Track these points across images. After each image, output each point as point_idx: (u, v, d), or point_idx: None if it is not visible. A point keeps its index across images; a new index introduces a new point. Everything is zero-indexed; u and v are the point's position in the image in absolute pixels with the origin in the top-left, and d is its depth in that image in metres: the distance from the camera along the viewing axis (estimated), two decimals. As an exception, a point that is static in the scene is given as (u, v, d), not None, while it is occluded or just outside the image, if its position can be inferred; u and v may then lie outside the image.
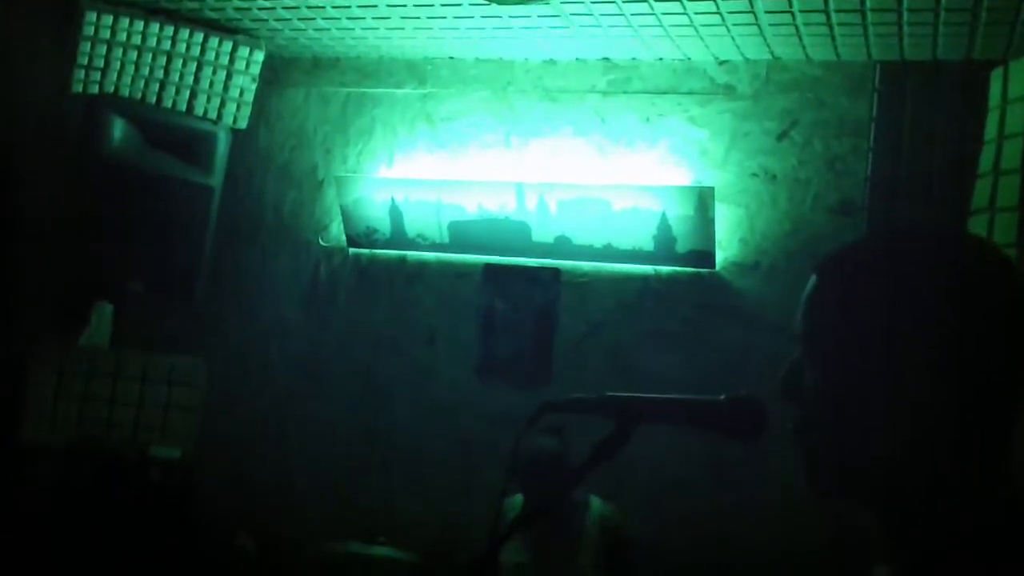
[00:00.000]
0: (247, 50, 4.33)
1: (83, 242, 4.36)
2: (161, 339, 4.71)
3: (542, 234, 4.21)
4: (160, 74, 4.23)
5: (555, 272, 4.27)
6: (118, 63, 4.16)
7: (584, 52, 4.27)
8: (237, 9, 4.10)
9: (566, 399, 1.38)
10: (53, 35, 4.24)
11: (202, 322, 4.75)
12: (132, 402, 4.42)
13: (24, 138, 4.35)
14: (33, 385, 4.32)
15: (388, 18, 4.04)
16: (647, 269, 4.15)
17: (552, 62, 4.42)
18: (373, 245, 4.55)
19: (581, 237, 4.15)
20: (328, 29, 4.28)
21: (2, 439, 4.27)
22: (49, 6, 4.17)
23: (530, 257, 4.30)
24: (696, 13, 3.63)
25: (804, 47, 3.91)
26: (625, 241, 4.07)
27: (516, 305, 4.35)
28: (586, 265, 4.24)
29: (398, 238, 4.47)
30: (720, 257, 4.04)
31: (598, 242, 4.12)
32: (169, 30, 4.20)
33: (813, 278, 1.13)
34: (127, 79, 4.19)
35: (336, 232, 4.69)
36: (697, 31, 3.83)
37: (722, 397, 1.25)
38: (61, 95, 4.21)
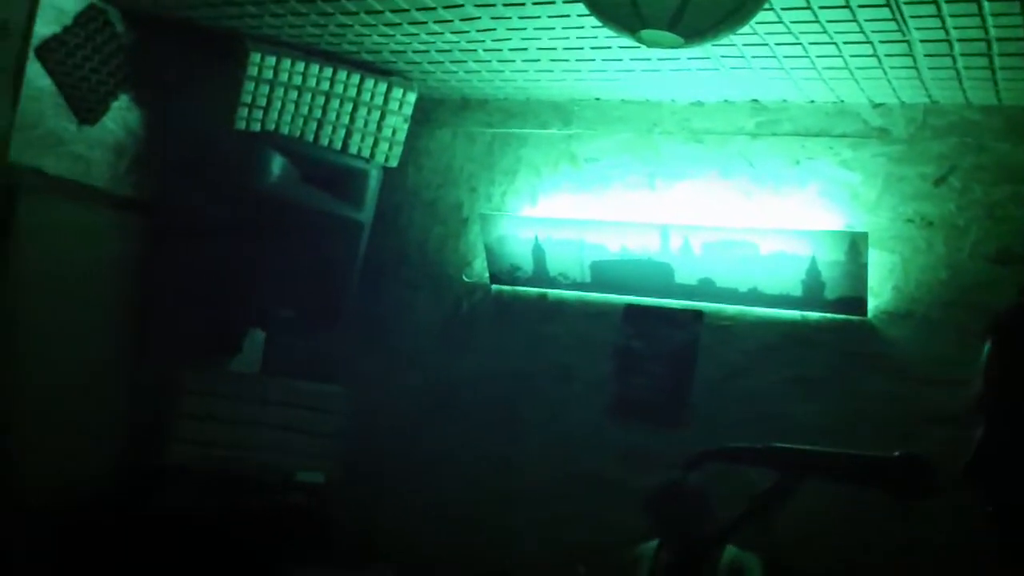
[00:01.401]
0: (400, 91, 4.47)
1: (239, 271, 4.56)
2: (307, 367, 4.87)
3: (685, 276, 4.18)
4: (318, 113, 4.40)
5: (697, 314, 4.22)
6: (279, 102, 4.35)
7: (732, 93, 4.24)
8: (393, 52, 4.24)
9: (728, 448, 1.35)
10: (219, 75, 4.48)
11: (346, 351, 4.89)
12: (279, 427, 4.58)
13: (189, 171, 4.60)
14: (185, 407, 4.52)
15: (538, 60, 4.11)
16: (793, 315, 4.06)
17: (699, 103, 4.40)
18: (515, 282, 4.60)
19: (725, 280, 4.09)
20: (478, 71, 4.39)
21: (153, 458, 4.48)
22: (216, 47, 4.40)
23: (672, 298, 4.27)
24: (852, 56, 3.56)
25: (964, 90, 3.78)
26: (772, 285, 4.00)
27: (655, 346, 4.31)
28: (730, 308, 4.18)
29: (540, 276, 4.51)
30: (872, 305, 3.92)
31: (743, 286, 4.06)
32: (328, 71, 4.37)
33: (991, 339, 1.05)
34: (287, 117, 4.37)
35: (479, 269, 4.76)
36: (852, 74, 3.75)
37: (896, 454, 1.21)
38: (225, 131, 4.42)
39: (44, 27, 3.92)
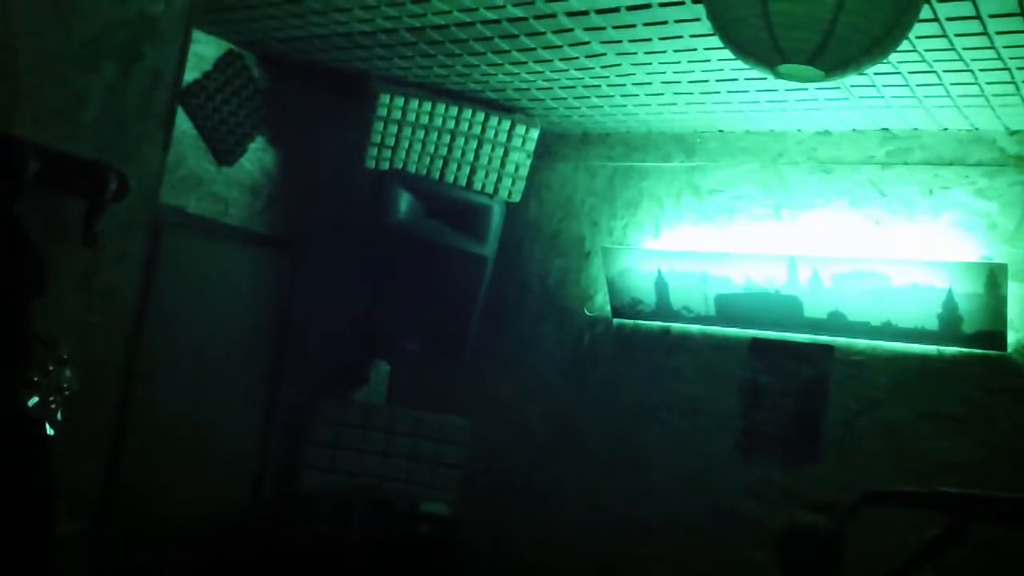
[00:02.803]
0: (524, 128, 4.54)
1: (366, 304, 4.68)
2: (431, 398, 4.95)
3: (814, 309, 4.10)
4: (444, 151, 4.50)
5: (827, 349, 4.13)
6: (406, 141, 4.46)
7: (861, 122, 4.16)
8: (517, 89, 4.31)
9: (892, 490, 1.33)
10: (349, 115, 4.63)
11: (469, 383, 4.95)
12: (403, 456, 4.66)
13: (321, 209, 4.76)
14: (315, 436, 4.65)
15: (662, 94, 4.11)
16: (929, 349, 3.94)
17: (826, 133, 4.34)
18: (637, 316, 4.59)
19: (857, 313, 4.00)
20: (601, 106, 4.42)
21: (287, 486, 4.61)
22: (347, 88, 4.55)
23: (800, 332, 4.19)
24: (988, 83, 3.46)
25: (1111, 115, 3.64)
26: (906, 319, 3.89)
27: (783, 380, 4.24)
28: (861, 343, 4.08)
29: (663, 309, 4.49)
30: (1012, 339, 3.77)
31: (876, 319, 3.96)
32: (453, 110, 4.47)
33: None
34: (414, 156, 4.48)
35: (601, 302, 4.77)
36: (988, 100, 3.64)
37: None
38: (355, 170, 4.56)
39: (186, 73, 4.12)
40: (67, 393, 2.21)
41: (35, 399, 2.17)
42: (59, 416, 2.19)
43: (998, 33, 3.04)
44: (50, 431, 2.18)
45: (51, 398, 2.17)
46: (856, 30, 1.98)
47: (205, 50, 4.22)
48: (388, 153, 4.47)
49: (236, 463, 4.53)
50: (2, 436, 2.13)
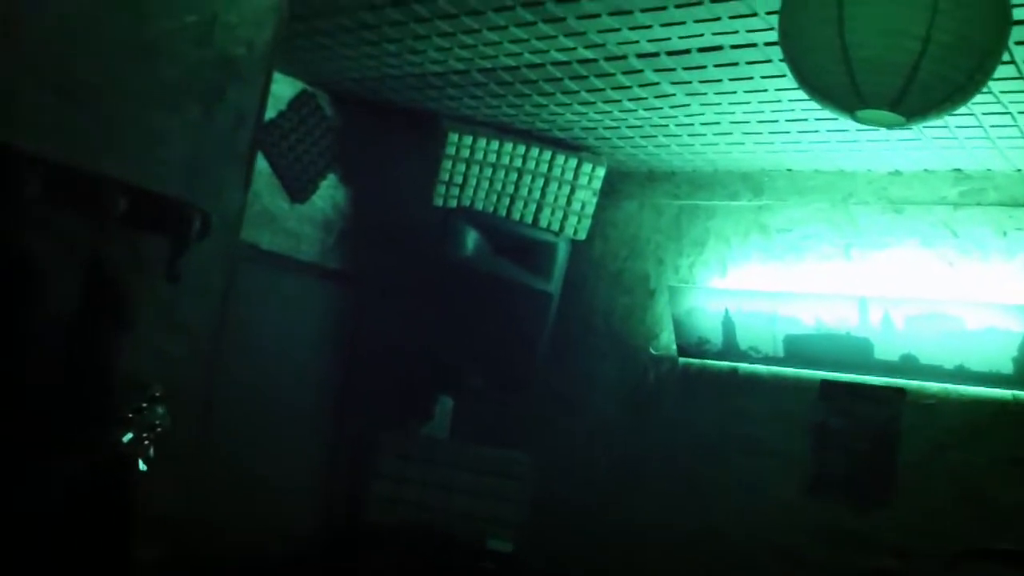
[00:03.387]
0: (590, 166, 4.56)
1: (432, 339, 4.72)
2: (495, 433, 4.95)
3: (886, 351, 4.04)
4: (510, 189, 4.54)
5: (899, 392, 4.06)
6: (474, 179, 4.51)
7: (933, 163, 4.12)
8: (584, 128, 4.34)
9: (996, 549, 1.30)
10: (418, 153, 4.70)
11: (533, 419, 4.95)
12: (467, 491, 4.67)
13: (390, 245, 4.82)
14: (380, 469, 4.68)
15: (730, 134, 4.11)
16: (1004, 393, 3.85)
17: (897, 173, 4.29)
18: (704, 355, 4.56)
19: (929, 356, 3.93)
20: (667, 145, 4.43)
21: (352, 517, 4.64)
22: (416, 127, 4.63)
23: (871, 374, 4.13)
24: (1067, 124, 3.41)
25: None
26: (980, 362, 3.81)
27: (854, 423, 4.17)
28: (933, 386, 4.00)
29: (730, 349, 4.45)
30: (1093, 384, 3.68)
31: (949, 362, 3.89)
32: (520, 148, 4.52)
33: None
34: (481, 193, 4.53)
35: (666, 341, 4.75)
36: (1067, 141, 3.59)
37: None
38: (423, 207, 4.62)
39: (263, 113, 4.23)
40: (159, 430, 2.26)
41: (129, 435, 2.23)
42: (151, 453, 2.24)
43: (1078, 74, 3.00)
44: (143, 467, 2.23)
45: (144, 435, 2.23)
46: (939, 76, 1.97)
47: (280, 89, 4.32)
48: (456, 191, 4.53)
49: (303, 493, 4.58)
50: (97, 471, 2.19)
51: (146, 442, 2.29)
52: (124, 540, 2.29)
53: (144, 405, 2.31)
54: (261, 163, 4.28)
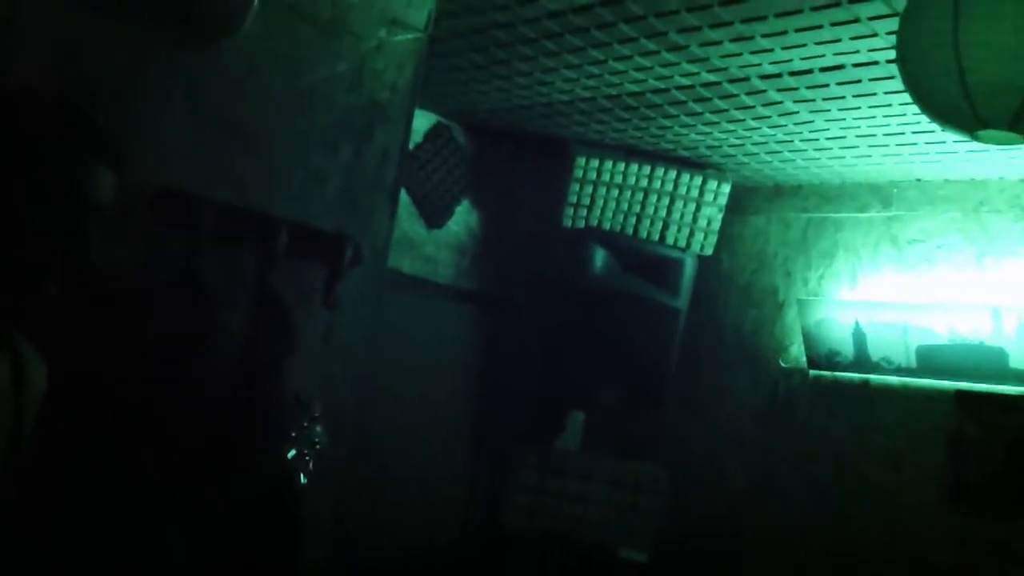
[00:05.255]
0: (715, 183, 4.66)
1: (565, 356, 4.89)
2: (627, 447, 5.07)
3: (1021, 360, 4.00)
4: (637, 208, 4.68)
5: (1037, 401, 4.02)
6: (601, 200, 4.67)
7: (1068, 169, 4.06)
8: (709, 147, 4.45)
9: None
10: (547, 177, 4.88)
11: (664, 432, 5.05)
12: (602, 502, 4.81)
13: (522, 266, 5.02)
14: (517, 480, 4.87)
15: (856, 147, 4.15)
16: None
17: (1030, 180, 4.25)
18: (834, 367, 4.58)
19: (1068, 364, 3.88)
20: (793, 160, 4.49)
21: (492, 527, 4.84)
22: (545, 152, 4.81)
23: (1006, 383, 4.09)
24: None
25: None
26: (1123, 370, 3.74)
27: (990, 432, 4.13)
28: (1075, 394, 3.95)
29: (861, 361, 4.47)
30: None
31: (1088, 370, 3.83)
32: (646, 169, 4.65)
33: None
34: (608, 214, 4.68)
35: (796, 353, 4.79)
36: None
37: None
38: (553, 228, 4.80)
39: (401, 145, 4.50)
40: (318, 447, 2.50)
41: (293, 452, 2.47)
42: (311, 467, 2.48)
43: None
44: (304, 480, 2.47)
45: (305, 451, 2.47)
46: (1056, 95, 2.03)
47: (417, 123, 4.55)
48: (584, 212, 4.69)
49: (447, 504, 4.82)
50: (266, 484, 2.44)
51: (307, 458, 2.53)
52: (293, 549, 2.52)
53: (306, 424, 2.55)
54: (401, 193, 4.53)
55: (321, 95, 2.88)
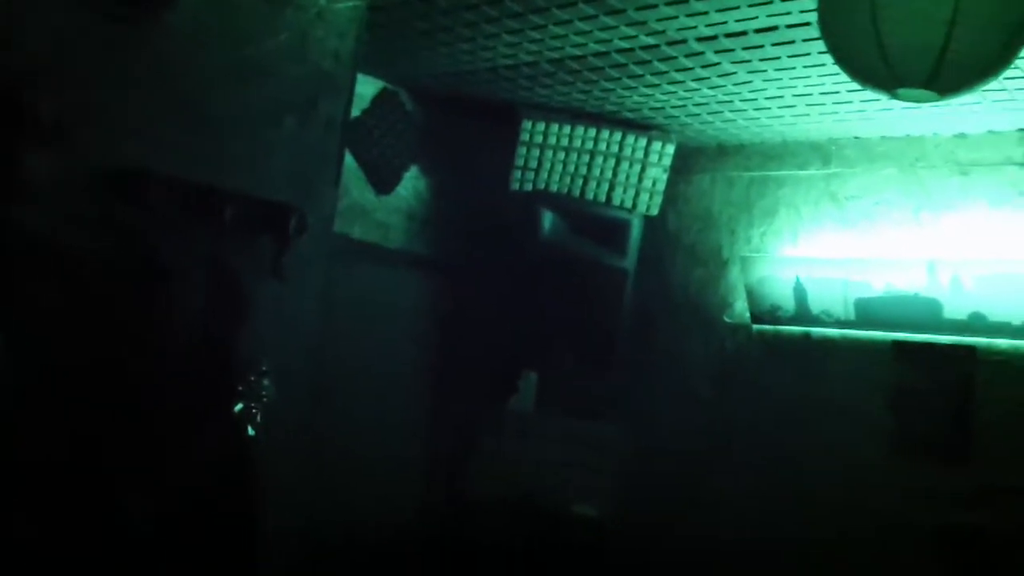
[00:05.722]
0: (660, 144, 4.74)
1: (516, 318, 4.97)
2: (581, 406, 5.17)
3: (954, 311, 4.14)
4: (583, 170, 4.75)
5: (970, 350, 4.16)
6: (549, 163, 4.74)
7: (998, 124, 4.18)
8: (652, 108, 4.52)
9: (995, 486, 1.47)
10: (494, 141, 4.93)
11: (617, 391, 5.15)
12: (557, 463, 4.90)
13: (471, 230, 5.08)
14: (476, 445, 4.95)
15: (794, 106, 4.25)
16: (1075, 347, 3.94)
17: (963, 135, 4.37)
18: (777, 322, 4.71)
19: (998, 313, 4.03)
20: (734, 120, 4.58)
21: (451, 493, 4.93)
22: (492, 117, 4.86)
23: (941, 334, 4.23)
24: None
25: None
26: (1049, 318, 3.90)
27: (929, 382, 4.28)
28: (1003, 343, 4.10)
29: (802, 315, 4.60)
30: None
31: (1017, 319, 3.98)
32: (592, 131, 4.72)
33: None
34: (556, 176, 4.75)
35: (740, 309, 4.91)
36: None
37: None
38: (501, 192, 4.85)
39: (348, 112, 4.52)
40: (266, 400, 2.58)
41: (240, 405, 2.55)
42: (259, 419, 2.56)
43: None
44: (251, 432, 2.55)
45: (252, 405, 2.55)
46: (967, 55, 2.12)
47: (363, 90, 4.59)
48: (531, 175, 4.76)
49: (405, 470, 4.89)
50: (216, 437, 2.51)
51: (254, 411, 2.62)
52: (246, 501, 2.60)
53: (252, 379, 2.64)
54: (348, 159, 4.56)
55: (264, 65, 2.91)
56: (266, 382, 2.61)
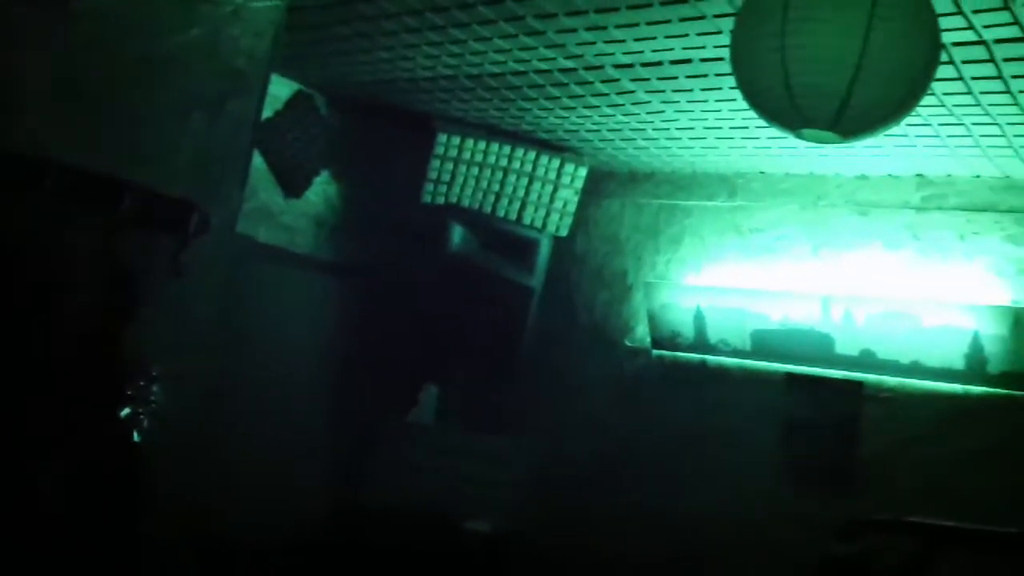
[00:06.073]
0: (573, 166, 4.79)
1: (420, 330, 4.95)
2: (480, 421, 5.17)
3: (846, 346, 4.27)
4: (496, 187, 4.77)
5: (857, 385, 4.30)
6: (462, 177, 4.74)
7: (897, 168, 4.34)
8: (567, 131, 4.56)
9: (872, 519, 1.52)
10: (409, 152, 4.91)
11: (518, 408, 5.17)
12: (455, 476, 4.89)
13: (382, 240, 5.04)
14: (376, 455, 4.91)
15: (704, 138, 4.33)
16: (956, 388, 4.09)
17: (864, 177, 4.52)
18: (676, 348, 4.79)
19: (887, 352, 4.17)
20: (647, 147, 4.65)
21: (347, 501, 4.87)
22: (408, 128, 4.84)
23: (832, 368, 4.36)
24: (1016, 136, 3.63)
25: None
26: (934, 358, 4.05)
27: (818, 414, 4.40)
28: (890, 380, 4.24)
29: (701, 343, 4.68)
30: (1038, 380, 3.92)
31: (905, 358, 4.12)
32: (506, 149, 4.74)
33: None
34: (468, 191, 4.76)
35: (641, 334, 4.98)
36: (1016, 152, 3.81)
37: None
38: (414, 204, 4.83)
39: (260, 113, 4.44)
40: (154, 406, 2.50)
41: (127, 410, 2.46)
42: (145, 424, 2.48)
43: (1021, 92, 3.22)
44: (137, 438, 2.46)
45: (140, 410, 2.47)
46: (871, 101, 2.19)
47: (277, 91, 4.53)
48: (444, 188, 4.76)
49: (302, 479, 4.80)
50: (101, 442, 2.42)
51: (141, 416, 2.53)
52: (127, 509, 2.51)
53: (141, 384, 2.55)
54: (257, 160, 4.49)
55: (174, 59, 2.84)
56: (155, 387, 2.53)
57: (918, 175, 4.37)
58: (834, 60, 2.14)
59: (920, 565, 1.39)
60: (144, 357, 2.56)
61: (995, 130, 3.60)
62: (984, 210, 4.21)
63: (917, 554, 1.38)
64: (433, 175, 4.74)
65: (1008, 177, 4.15)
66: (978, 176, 4.23)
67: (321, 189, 4.83)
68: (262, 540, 4.53)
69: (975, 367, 3.95)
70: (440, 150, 4.71)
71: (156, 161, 2.79)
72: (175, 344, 2.84)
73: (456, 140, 4.71)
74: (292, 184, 4.66)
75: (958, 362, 3.99)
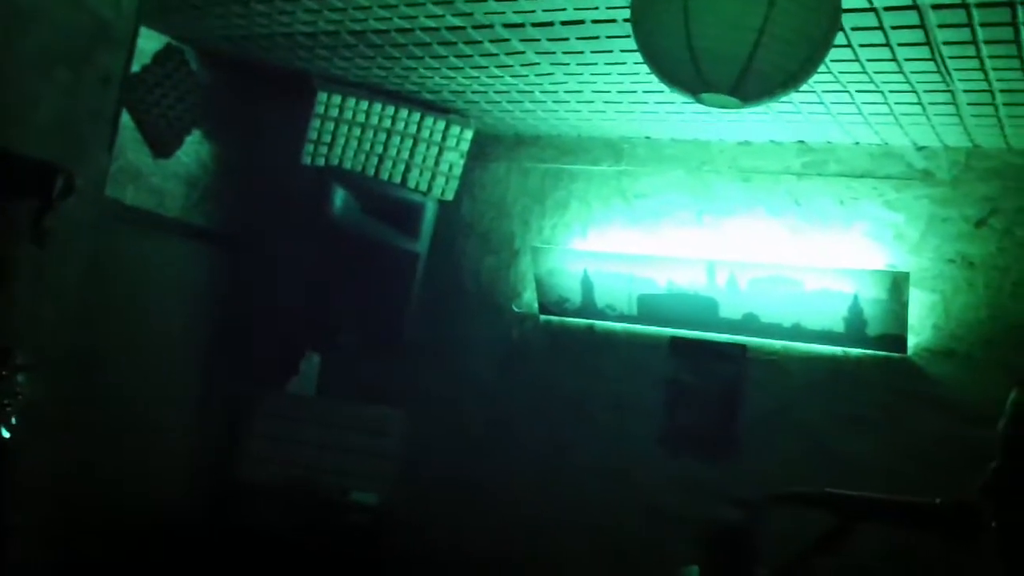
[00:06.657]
0: (458, 128, 4.67)
1: (301, 297, 4.78)
2: (365, 390, 5.05)
3: (730, 310, 4.32)
4: (379, 149, 4.62)
5: (742, 348, 4.36)
6: (343, 139, 4.57)
7: (779, 135, 4.39)
8: (453, 92, 4.44)
9: (789, 492, 1.50)
10: (288, 112, 4.70)
11: (404, 376, 5.07)
12: (337, 447, 4.77)
13: (259, 203, 4.83)
14: (250, 428, 4.74)
15: (592, 102, 4.28)
16: (836, 350, 4.19)
17: (747, 143, 4.56)
18: (563, 313, 4.77)
19: (769, 315, 4.24)
20: (534, 111, 4.57)
21: (225, 476, 4.69)
22: (287, 86, 4.63)
23: (716, 332, 4.42)
24: (896, 103, 3.71)
25: (1005, 136, 3.91)
26: (815, 321, 4.14)
27: (702, 378, 4.46)
28: (775, 343, 4.32)
29: (588, 308, 4.67)
30: (912, 342, 4.04)
31: (787, 321, 4.20)
32: (390, 109, 4.59)
33: (1016, 390, 1.23)
34: (350, 153, 4.59)
35: (529, 299, 4.93)
36: (896, 119, 3.89)
37: (946, 500, 1.36)
38: (293, 166, 4.64)
39: (127, 67, 4.17)
40: (20, 398, 2.29)
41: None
42: (13, 420, 2.27)
43: (906, 60, 3.27)
44: (5, 434, 2.26)
45: (6, 402, 2.26)
46: (772, 66, 2.17)
47: (144, 44, 4.25)
48: (325, 150, 4.57)
49: (177, 454, 4.60)
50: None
51: (8, 409, 2.32)
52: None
53: (4, 374, 2.33)
54: (124, 117, 4.21)
55: (35, 10, 2.61)
56: (21, 377, 2.31)
57: (799, 141, 4.44)
58: (738, 22, 2.11)
59: (830, 535, 1.37)
60: (9, 345, 2.34)
61: (878, 97, 3.67)
62: (863, 176, 4.31)
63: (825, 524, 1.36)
64: (313, 136, 4.54)
65: (887, 144, 4.24)
66: (857, 143, 4.31)
67: (193, 149, 4.58)
68: (137, 520, 4.33)
69: (854, 330, 4.05)
70: (320, 109, 4.51)
71: (15, 120, 2.56)
72: (43, 319, 2.64)
73: (337, 99, 4.52)
74: (162, 143, 4.40)
75: (838, 325, 4.08)
